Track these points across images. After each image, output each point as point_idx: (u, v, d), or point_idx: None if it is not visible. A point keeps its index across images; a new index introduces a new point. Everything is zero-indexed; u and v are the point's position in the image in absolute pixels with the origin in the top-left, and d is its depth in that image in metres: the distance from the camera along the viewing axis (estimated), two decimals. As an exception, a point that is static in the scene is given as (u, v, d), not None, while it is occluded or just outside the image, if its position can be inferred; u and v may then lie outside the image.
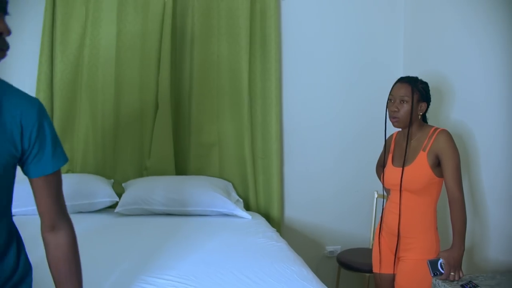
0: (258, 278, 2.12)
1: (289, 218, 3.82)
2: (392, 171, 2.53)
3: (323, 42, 3.79)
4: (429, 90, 2.51)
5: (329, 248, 3.87)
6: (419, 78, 2.53)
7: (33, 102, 1.37)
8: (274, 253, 2.50)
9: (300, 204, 3.82)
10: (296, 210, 3.83)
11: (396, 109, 2.45)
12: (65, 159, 1.47)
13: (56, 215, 1.48)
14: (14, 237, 1.48)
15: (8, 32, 1.23)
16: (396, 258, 2.53)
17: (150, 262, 2.27)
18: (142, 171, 3.61)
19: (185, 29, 3.60)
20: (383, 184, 2.62)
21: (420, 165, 2.39)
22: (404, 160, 2.44)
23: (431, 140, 2.38)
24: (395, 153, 2.60)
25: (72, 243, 1.52)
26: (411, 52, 3.74)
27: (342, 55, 3.81)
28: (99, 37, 3.50)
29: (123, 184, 3.47)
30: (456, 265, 2.22)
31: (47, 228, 1.49)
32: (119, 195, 3.32)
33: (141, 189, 3.26)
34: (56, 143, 1.44)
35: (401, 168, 2.45)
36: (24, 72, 3.46)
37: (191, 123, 3.63)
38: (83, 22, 3.49)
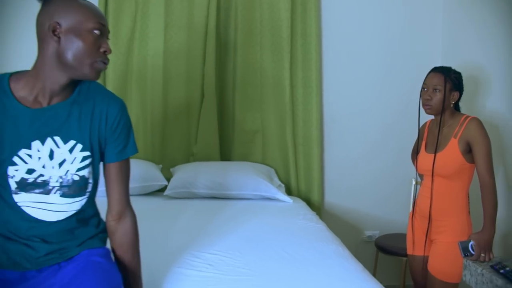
0: (297, 254, 2.28)
1: (329, 203, 3.95)
2: (424, 157, 2.64)
3: (362, 32, 3.89)
4: (462, 80, 2.59)
5: (368, 233, 3.99)
6: (453, 68, 2.60)
7: (117, 100, 1.73)
8: (313, 233, 2.66)
9: (340, 189, 3.95)
10: (336, 196, 3.96)
11: (428, 97, 2.55)
12: (135, 150, 1.78)
13: (125, 203, 1.77)
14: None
15: (110, 51, 1.60)
16: (429, 241, 2.64)
17: (198, 239, 2.46)
18: (189, 157, 3.81)
19: (229, 21, 3.76)
20: (416, 169, 2.74)
21: (451, 151, 2.48)
22: (436, 146, 2.55)
23: (462, 128, 2.47)
24: (428, 140, 2.71)
25: (136, 230, 1.79)
26: (449, 42, 3.80)
27: (381, 44, 3.90)
28: (148, 30, 3.69)
29: (171, 169, 3.67)
30: (486, 247, 2.32)
31: (114, 216, 1.76)
32: (168, 180, 3.53)
33: (188, 174, 3.46)
34: (130, 136, 1.76)
35: (433, 154, 2.55)
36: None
37: (235, 111, 3.80)
38: (133, 16, 3.69)
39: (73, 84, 1.64)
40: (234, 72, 3.78)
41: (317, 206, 3.79)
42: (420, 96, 2.63)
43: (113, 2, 3.64)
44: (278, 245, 2.40)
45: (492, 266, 2.23)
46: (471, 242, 2.32)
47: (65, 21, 1.52)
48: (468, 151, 2.45)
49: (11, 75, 1.61)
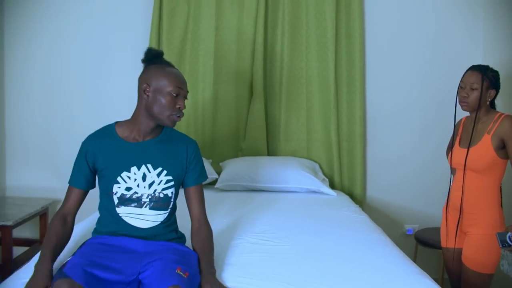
0: (342, 241, 2.47)
1: (371, 197, 4.11)
2: (458, 152, 2.74)
3: (404, 32, 4.03)
4: (499, 78, 2.65)
5: (408, 226, 4.13)
6: (490, 67, 2.66)
7: (193, 141, 2.28)
8: (356, 223, 2.84)
9: (382, 184, 4.10)
10: (377, 190, 4.11)
11: (466, 95, 2.63)
12: (205, 177, 2.31)
13: (202, 216, 2.24)
14: None
15: (184, 107, 2.11)
16: (463, 233, 2.73)
17: (250, 227, 2.68)
18: (237, 152, 4.03)
19: (276, 23, 3.97)
20: (450, 164, 2.83)
21: (484, 146, 2.57)
22: (470, 141, 2.64)
23: (496, 124, 2.54)
24: (462, 135, 2.80)
25: (211, 238, 2.20)
26: (490, 40, 3.90)
27: (421, 44, 4.02)
28: (200, 32, 3.93)
29: (220, 164, 3.88)
30: None
31: (195, 226, 2.22)
32: (217, 173, 3.75)
33: (238, 168, 3.68)
34: (203, 167, 2.29)
35: (466, 149, 2.66)
36: (134, 63, 3.95)
37: (281, 109, 3.99)
38: (186, 19, 3.93)
39: (160, 127, 2.19)
40: (281, 71, 3.97)
41: (359, 200, 3.94)
42: (457, 93, 2.70)
43: (167, 6, 3.88)
44: (325, 233, 2.60)
45: (528, 256, 2.36)
46: (509, 234, 2.39)
47: (154, 83, 2.08)
48: (501, 147, 2.53)
49: (116, 122, 2.20)
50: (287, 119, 4.00)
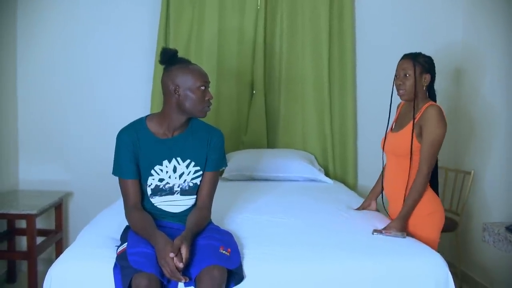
0: (344, 218, 2.86)
1: (362, 185, 4.44)
2: (387, 137, 2.87)
3: (392, 35, 4.41)
4: (432, 63, 2.72)
5: (396, 212, 4.49)
6: (423, 53, 2.74)
7: (217, 131, 2.47)
8: (356, 204, 3.20)
9: (372, 173, 4.34)
10: (368, 179, 4.35)
11: (401, 83, 2.70)
12: (225, 165, 2.54)
13: (207, 201, 2.42)
14: None
15: (212, 98, 2.33)
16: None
17: (257, 209, 3.02)
18: (239, 145, 4.35)
19: (275, 27, 4.30)
20: (382, 148, 2.94)
21: (407, 133, 2.69)
22: (392, 126, 2.88)
23: (420, 112, 2.66)
24: (397, 121, 2.92)
25: (205, 220, 2.37)
26: (468, 41, 4.28)
27: (408, 44, 4.28)
28: (203, 34, 4.23)
29: (224, 156, 4.21)
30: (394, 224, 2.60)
31: (198, 206, 2.41)
32: (222, 165, 4.07)
33: (242, 160, 4.01)
34: (221, 156, 2.46)
35: (394, 134, 2.82)
36: (143, 61, 4.29)
37: (280, 105, 4.33)
38: (190, 22, 4.23)
39: (187, 121, 2.37)
40: (280, 70, 4.31)
41: (351, 188, 4.25)
42: (394, 84, 2.79)
43: (174, 10, 4.18)
44: (329, 212, 2.97)
45: (506, 227, 2.72)
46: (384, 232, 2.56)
47: (182, 83, 2.25)
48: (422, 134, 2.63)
49: (147, 117, 2.39)
50: (285, 114, 4.33)
